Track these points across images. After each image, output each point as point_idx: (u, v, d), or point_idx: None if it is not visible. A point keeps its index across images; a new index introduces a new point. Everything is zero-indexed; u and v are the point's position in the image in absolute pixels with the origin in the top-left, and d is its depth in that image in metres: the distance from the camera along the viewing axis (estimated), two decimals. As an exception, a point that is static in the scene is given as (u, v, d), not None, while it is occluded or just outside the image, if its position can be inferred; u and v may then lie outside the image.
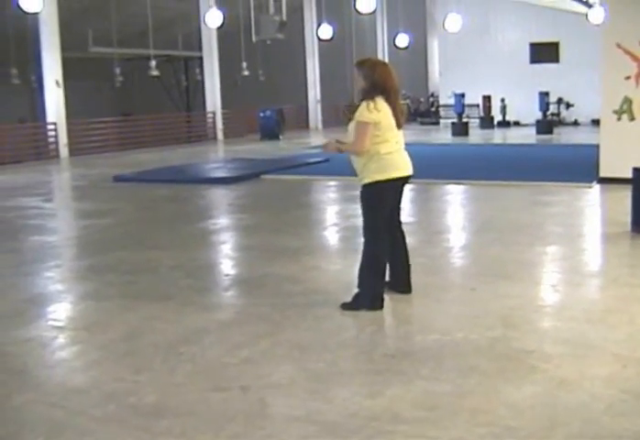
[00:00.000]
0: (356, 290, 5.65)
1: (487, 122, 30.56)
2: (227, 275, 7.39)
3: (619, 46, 12.09)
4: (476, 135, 26.96)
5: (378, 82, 5.45)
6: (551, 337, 5.11)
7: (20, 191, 14.29)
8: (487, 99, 30.55)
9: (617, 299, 6.03)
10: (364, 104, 5.39)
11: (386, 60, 38.32)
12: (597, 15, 16.90)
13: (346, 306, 5.59)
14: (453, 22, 26.91)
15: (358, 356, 4.93)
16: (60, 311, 6.22)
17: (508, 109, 30.94)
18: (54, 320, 5.88)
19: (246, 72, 31.87)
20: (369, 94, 5.43)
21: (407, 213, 11.08)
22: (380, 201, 5.56)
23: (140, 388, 4.37)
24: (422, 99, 38.77)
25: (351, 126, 5.51)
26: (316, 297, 5.40)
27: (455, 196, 12.47)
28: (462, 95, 27.85)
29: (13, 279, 7.21)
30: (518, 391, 4.16)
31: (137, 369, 4.65)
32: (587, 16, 21.49)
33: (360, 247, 5.78)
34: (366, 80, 5.44)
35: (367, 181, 5.50)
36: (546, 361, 4.61)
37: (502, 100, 30.70)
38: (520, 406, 3.98)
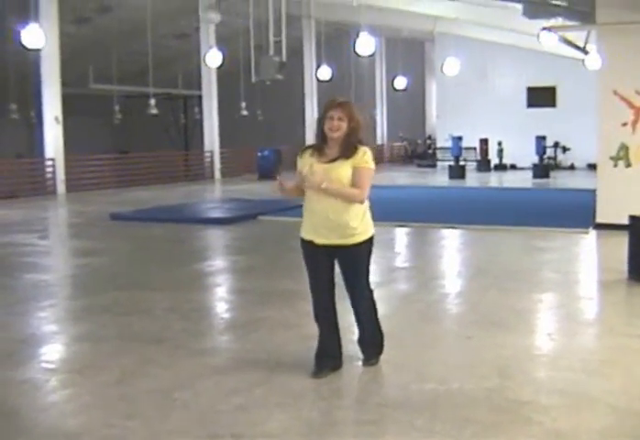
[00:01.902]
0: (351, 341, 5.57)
1: (484, 165, 30.70)
2: (222, 319, 7.37)
3: (615, 93, 12.19)
4: (473, 178, 27.06)
5: (361, 127, 5.14)
6: (547, 388, 5.08)
7: (16, 227, 14.29)
8: (484, 142, 30.73)
9: (613, 349, 6.01)
10: (364, 149, 5.09)
11: (384, 103, 38.67)
12: (594, 61, 17.04)
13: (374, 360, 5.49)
14: (451, 66, 27.17)
15: (352, 405, 4.89)
16: (54, 352, 6.19)
17: (505, 152, 31.07)
18: (47, 362, 5.85)
19: (244, 112, 32.10)
20: (358, 139, 5.12)
21: (403, 258, 11.12)
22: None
23: (132, 434, 4.33)
24: (419, 141, 39.00)
25: (340, 171, 5.04)
26: (311, 343, 5.36)
27: (451, 241, 12.47)
28: (459, 138, 28.01)
29: (6, 318, 7.19)
30: (514, 445, 4.13)
31: (130, 415, 4.61)
32: (583, 61, 21.69)
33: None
34: (353, 122, 5.04)
35: (366, 236, 5.18)
36: (542, 413, 4.58)
37: (500, 143, 30.85)
38: (515, 460, 3.94)
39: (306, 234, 5.21)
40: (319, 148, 5.15)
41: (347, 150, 5.06)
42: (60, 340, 6.55)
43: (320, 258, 5.17)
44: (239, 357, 5.83)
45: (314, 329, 5.37)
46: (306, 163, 5.14)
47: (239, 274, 9.75)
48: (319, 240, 5.13)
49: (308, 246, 5.19)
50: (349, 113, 5.03)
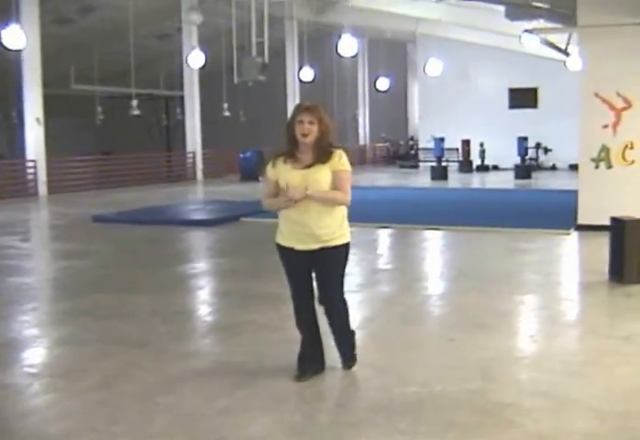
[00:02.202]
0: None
1: (466, 166, 30.81)
2: (205, 321, 7.37)
3: (597, 95, 12.27)
4: (455, 179, 27.14)
5: (331, 130, 5.13)
6: (529, 390, 5.11)
7: (-2, 229, 14.23)
8: (466, 143, 30.85)
9: (595, 350, 6.06)
10: (339, 152, 5.09)
11: (366, 104, 38.56)
12: (575, 63, 17.14)
13: (352, 362, 5.50)
14: (433, 66, 27.30)
15: (335, 408, 4.91)
16: (36, 356, 6.17)
17: (487, 153, 31.18)
18: (29, 366, 5.83)
19: (227, 113, 32.05)
20: (329, 142, 5.11)
21: (385, 259, 11.14)
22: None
23: (116, 439, 4.32)
24: (401, 142, 39.07)
25: (318, 176, 5.02)
26: (294, 346, 5.36)
27: (433, 242, 12.52)
28: (442, 139, 28.07)
29: (-12, 322, 7.15)
30: (496, 447, 4.16)
31: (113, 419, 4.60)
32: (565, 63, 21.81)
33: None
34: (323, 125, 5.01)
35: (344, 240, 5.18)
36: (524, 415, 4.60)
37: (482, 144, 30.96)
38: (498, 463, 3.96)
39: (285, 241, 5.18)
40: (291, 153, 5.11)
41: (323, 155, 5.04)
42: (43, 344, 6.54)
43: (300, 264, 5.16)
44: (223, 360, 5.83)
45: (297, 332, 5.37)
46: (281, 171, 5.10)
47: (222, 276, 9.76)
48: (299, 246, 5.12)
49: (287, 252, 5.18)
50: (319, 116, 5.01)
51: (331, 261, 5.16)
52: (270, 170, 5.18)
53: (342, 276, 5.27)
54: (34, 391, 5.20)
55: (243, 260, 10.64)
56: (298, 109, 5.08)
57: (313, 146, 5.03)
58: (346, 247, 5.19)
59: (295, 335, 5.42)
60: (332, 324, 5.35)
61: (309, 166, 5.04)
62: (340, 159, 5.08)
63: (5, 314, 7.43)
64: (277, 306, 7.33)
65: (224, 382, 5.22)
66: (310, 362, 5.29)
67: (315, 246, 5.09)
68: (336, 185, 5.06)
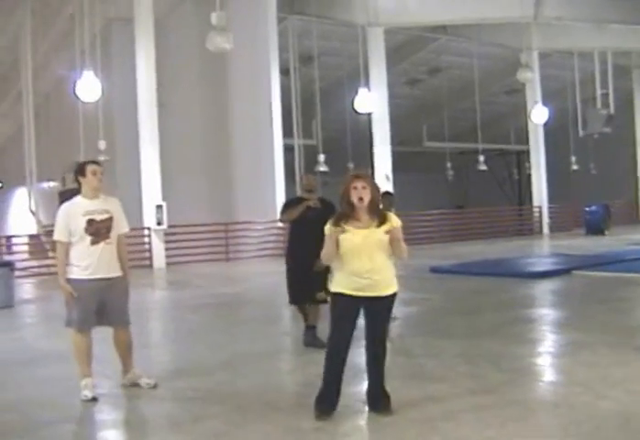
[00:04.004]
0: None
1: None
2: (513, 366, 7.77)
3: None
4: None
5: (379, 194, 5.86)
6: None
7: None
8: None
9: None
10: (390, 213, 5.83)
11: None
12: None
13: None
14: None
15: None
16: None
17: None
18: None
19: (575, 166, 31.88)
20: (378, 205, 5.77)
21: None
22: None
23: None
24: None
25: (378, 235, 5.65)
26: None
27: None
28: None
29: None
30: None
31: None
32: None
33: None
34: (376, 191, 5.70)
35: (397, 288, 5.81)
36: None
37: None
38: None
39: (344, 288, 5.73)
40: (348, 215, 5.69)
41: (380, 217, 5.70)
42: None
43: (352, 310, 5.74)
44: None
45: None
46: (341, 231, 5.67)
47: (534, 325, 10.11)
48: (357, 293, 5.67)
49: (344, 299, 5.72)
50: (372, 183, 5.74)
51: (388, 305, 5.87)
52: (329, 229, 5.74)
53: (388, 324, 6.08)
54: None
55: (563, 311, 10.93)
56: (349, 178, 5.74)
57: (367, 209, 5.69)
58: (395, 294, 5.83)
59: None
60: (377, 360, 5.89)
61: (368, 227, 5.70)
62: (395, 218, 5.77)
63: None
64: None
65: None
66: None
67: (374, 293, 5.71)
68: (398, 238, 5.71)
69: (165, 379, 7.23)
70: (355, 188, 5.66)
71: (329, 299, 6.08)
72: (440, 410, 5.92)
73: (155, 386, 6.80)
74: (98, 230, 6.58)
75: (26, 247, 20.74)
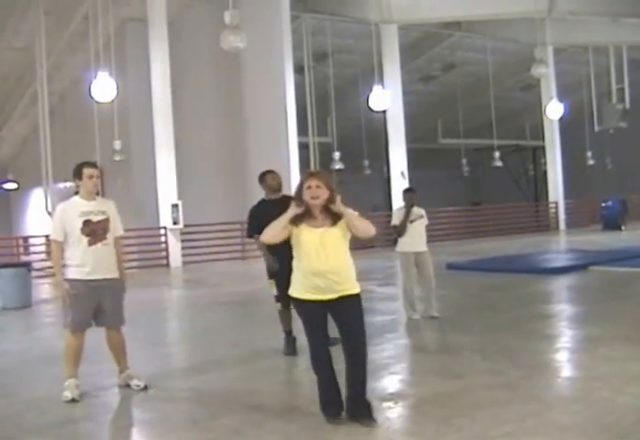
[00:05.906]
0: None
1: None
2: (533, 360, 7.75)
3: None
4: None
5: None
6: None
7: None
8: None
9: None
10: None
11: None
12: None
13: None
14: None
15: None
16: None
17: None
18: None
19: (591, 161, 31.77)
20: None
21: None
22: None
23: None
24: None
25: (335, 234, 5.53)
26: None
27: None
28: None
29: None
30: None
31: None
32: None
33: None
34: (331, 189, 5.49)
35: (358, 290, 5.62)
36: None
37: None
38: None
39: (305, 291, 5.55)
40: (303, 214, 5.52)
41: (334, 215, 5.52)
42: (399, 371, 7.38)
43: (320, 314, 5.56)
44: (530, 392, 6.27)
45: None
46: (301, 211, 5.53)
47: (552, 320, 10.08)
48: (317, 297, 5.50)
49: (307, 306, 5.55)
50: (327, 181, 5.53)
51: (357, 305, 5.64)
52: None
53: (363, 323, 5.67)
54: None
55: (580, 307, 10.90)
56: (305, 176, 5.63)
57: (321, 208, 5.52)
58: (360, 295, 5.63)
59: None
60: (357, 359, 5.59)
61: (322, 226, 5.53)
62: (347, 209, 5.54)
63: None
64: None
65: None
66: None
67: (338, 294, 5.53)
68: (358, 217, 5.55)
69: (182, 377, 7.29)
70: (309, 187, 5.53)
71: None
72: (458, 405, 5.91)
73: (145, 388, 6.74)
74: (94, 231, 6.58)
75: (43, 248, 20.79)
